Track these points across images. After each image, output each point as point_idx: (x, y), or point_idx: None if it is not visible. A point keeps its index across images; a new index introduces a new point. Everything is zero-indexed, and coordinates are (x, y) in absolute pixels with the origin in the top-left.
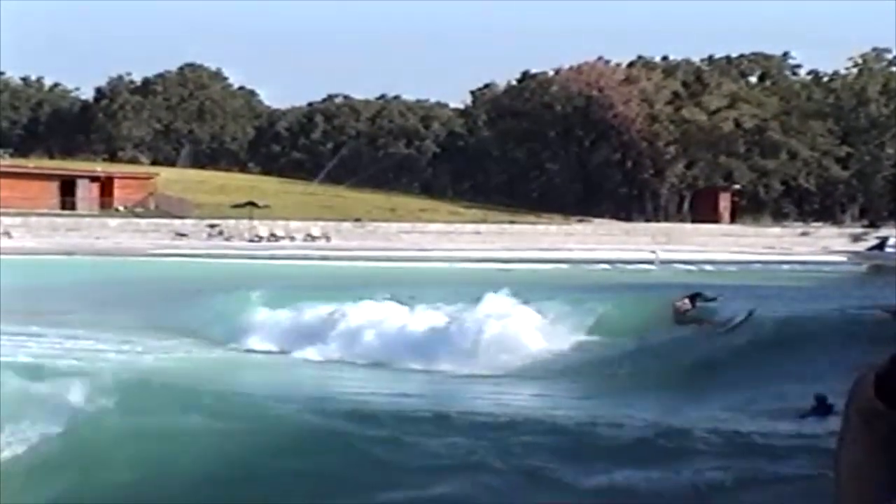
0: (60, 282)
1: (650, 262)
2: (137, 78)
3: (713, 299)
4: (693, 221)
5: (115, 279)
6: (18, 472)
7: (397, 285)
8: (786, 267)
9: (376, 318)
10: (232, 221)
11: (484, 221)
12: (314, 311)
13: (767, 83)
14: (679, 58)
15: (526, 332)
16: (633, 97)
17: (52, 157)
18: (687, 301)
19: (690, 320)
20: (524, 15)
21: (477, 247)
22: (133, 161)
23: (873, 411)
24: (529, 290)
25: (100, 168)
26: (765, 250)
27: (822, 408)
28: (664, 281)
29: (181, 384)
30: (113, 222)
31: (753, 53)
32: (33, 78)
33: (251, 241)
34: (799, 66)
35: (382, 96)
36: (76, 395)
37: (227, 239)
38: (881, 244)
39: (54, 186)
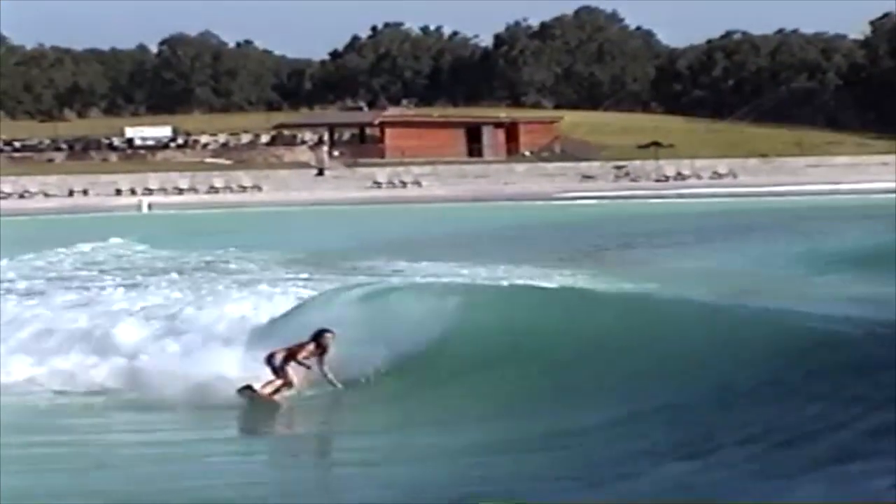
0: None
1: None
2: (535, 23)
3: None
4: None
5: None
6: None
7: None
8: None
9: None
10: (638, 162)
11: (893, 153)
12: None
13: None
14: None
15: None
16: None
17: (455, 105)
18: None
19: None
20: None
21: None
22: (536, 106)
23: None
24: None
25: (504, 114)
26: None
27: None
28: None
29: None
30: (520, 168)
31: None
32: (432, 28)
33: (657, 181)
34: None
35: (780, 31)
36: None
37: (634, 180)
38: None
39: (460, 134)
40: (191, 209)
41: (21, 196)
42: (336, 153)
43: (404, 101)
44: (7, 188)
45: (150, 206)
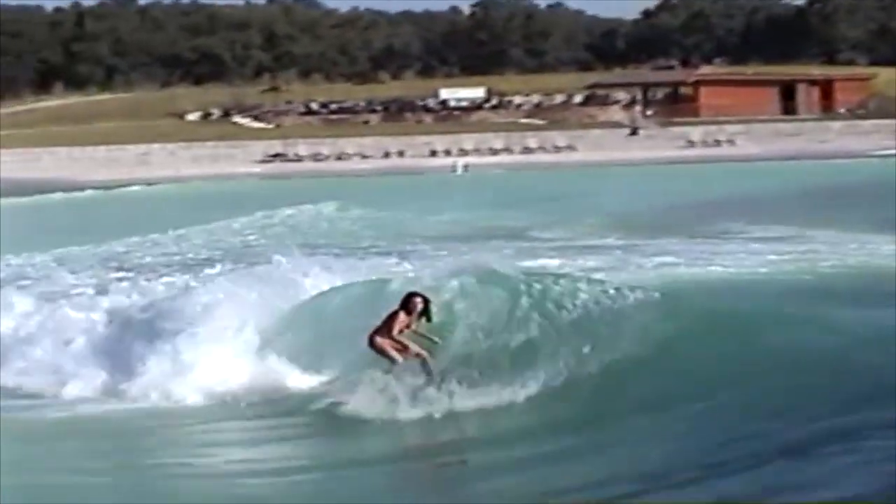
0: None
1: None
2: None
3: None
4: None
5: None
6: None
7: None
8: None
9: None
10: None
11: None
12: None
13: None
14: None
15: None
16: None
17: (768, 63)
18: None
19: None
20: None
21: None
22: (850, 63)
23: None
24: None
25: (818, 72)
26: None
27: None
28: None
29: None
30: (835, 125)
31: None
32: None
33: None
34: None
35: None
36: None
37: None
38: None
39: (774, 92)
40: (507, 169)
41: (338, 158)
42: (649, 112)
43: (716, 60)
44: (325, 150)
45: (466, 167)
